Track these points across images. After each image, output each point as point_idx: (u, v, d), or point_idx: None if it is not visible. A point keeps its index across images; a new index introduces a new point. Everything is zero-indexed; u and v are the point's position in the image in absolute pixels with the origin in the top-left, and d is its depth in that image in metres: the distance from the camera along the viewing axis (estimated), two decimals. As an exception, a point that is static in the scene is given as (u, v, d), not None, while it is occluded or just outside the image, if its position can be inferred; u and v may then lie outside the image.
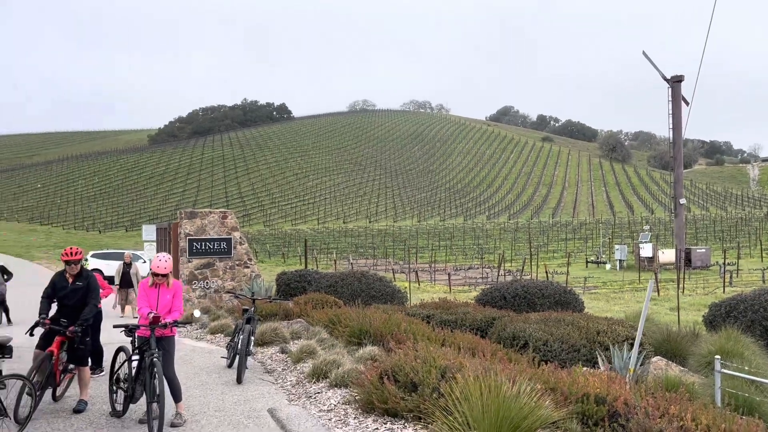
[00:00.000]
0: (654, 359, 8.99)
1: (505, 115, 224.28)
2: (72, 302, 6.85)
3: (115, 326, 6.51)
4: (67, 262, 6.85)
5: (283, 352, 10.09)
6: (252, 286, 16.87)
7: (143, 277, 12.00)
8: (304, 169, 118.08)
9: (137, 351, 6.33)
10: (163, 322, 6.19)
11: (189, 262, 17.09)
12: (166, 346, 6.30)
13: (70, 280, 6.92)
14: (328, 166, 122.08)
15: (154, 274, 6.34)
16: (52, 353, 6.54)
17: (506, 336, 9.97)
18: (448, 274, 31.62)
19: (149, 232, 22.52)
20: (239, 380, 8.21)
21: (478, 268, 40.60)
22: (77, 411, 6.76)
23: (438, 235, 65.15)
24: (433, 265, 40.34)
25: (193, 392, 7.77)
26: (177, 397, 6.43)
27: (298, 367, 8.87)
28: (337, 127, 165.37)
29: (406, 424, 5.87)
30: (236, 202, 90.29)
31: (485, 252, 50.42)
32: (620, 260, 40.66)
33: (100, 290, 8.79)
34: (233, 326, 11.19)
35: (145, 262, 25.10)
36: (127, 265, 17.17)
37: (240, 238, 17.87)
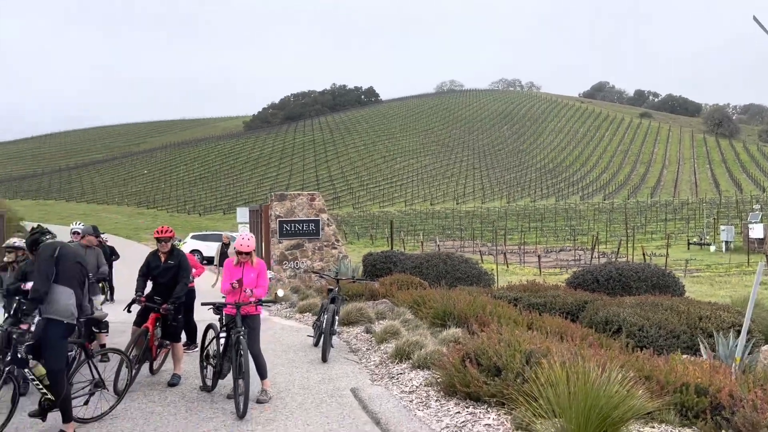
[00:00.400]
0: (764, 348, 8.28)
1: (600, 92, 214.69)
2: (165, 280, 7.16)
3: (203, 304, 6.74)
4: (158, 240, 7.19)
5: (367, 332, 10.14)
6: (339, 267, 17.10)
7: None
8: (391, 152, 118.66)
9: (224, 328, 6.52)
10: (247, 300, 6.32)
11: (279, 243, 17.55)
12: (251, 324, 6.44)
13: (163, 259, 7.23)
14: (415, 148, 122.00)
15: (238, 253, 6.48)
16: (148, 329, 6.88)
17: (598, 320, 9.52)
18: (538, 257, 30.80)
19: (243, 214, 23.29)
20: (324, 359, 8.32)
21: (570, 250, 39.31)
22: (171, 384, 7.08)
23: (528, 217, 63.64)
24: (522, 247, 39.47)
25: (280, 369, 7.95)
26: (262, 374, 6.58)
27: (382, 348, 8.87)
28: (424, 109, 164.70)
29: (488, 409, 5.70)
30: (326, 185, 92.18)
31: (578, 234, 48.72)
32: (726, 242, 38.09)
33: (192, 270, 9.18)
34: (320, 305, 11.38)
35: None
36: (226, 246, 17.97)
37: (327, 219, 18.14)
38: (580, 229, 52.21)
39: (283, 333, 10.73)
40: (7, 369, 5.02)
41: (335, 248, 18.04)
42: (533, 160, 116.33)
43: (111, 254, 13.86)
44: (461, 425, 5.41)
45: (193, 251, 30.79)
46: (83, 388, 5.76)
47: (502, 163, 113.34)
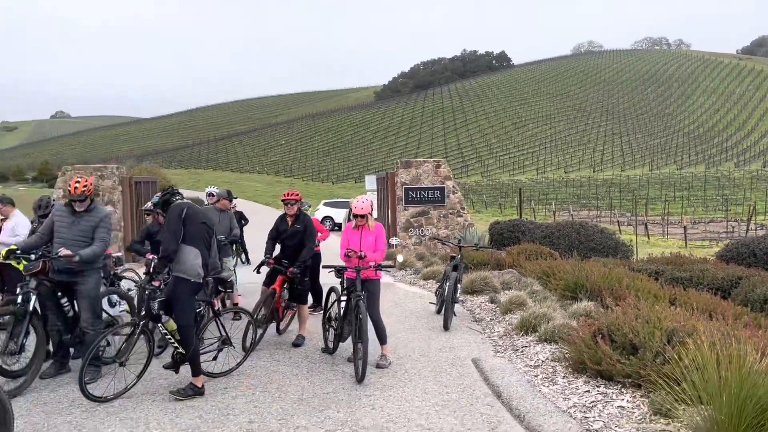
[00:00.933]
0: None
1: (762, 47, 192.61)
2: (291, 243, 7.29)
3: (323, 267, 6.76)
4: (285, 202, 7.32)
5: (492, 301, 9.80)
6: (465, 235, 16.79)
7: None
8: (523, 118, 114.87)
9: (345, 292, 6.50)
10: (366, 264, 6.24)
11: (405, 210, 17.53)
12: (370, 288, 6.36)
13: (290, 223, 7.36)
14: (548, 114, 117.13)
15: (354, 216, 6.40)
16: (275, 291, 7.04)
17: (755, 298, 8.48)
18: (684, 228, 28.39)
19: (371, 181, 23.58)
20: (446, 327, 8.13)
21: (721, 221, 35.90)
22: (295, 345, 7.24)
23: (673, 185, 58.96)
24: (665, 218, 36.64)
25: (401, 336, 7.87)
26: (382, 339, 6.51)
27: (507, 318, 8.51)
28: (559, 72, 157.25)
29: (622, 389, 5.21)
30: (454, 154, 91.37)
31: (731, 203, 44.39)
32: None
33: (318, 234, 9.31)
34: (443, 273, 11.20)
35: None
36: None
37: (453, 187, 17.81)
38: (733, 199, 47.53)
39: (405, 299, 10.68)
40: (141, 323, 5.32)
41: (460, 216, 17.72)
42: (680, 125, 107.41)
43: (240, 219, 14.54)
44: (590, 405, 4.98)
45: (324, 218, 31.84)
46: (212, 345, 6.02)
47: (644, 128, 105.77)
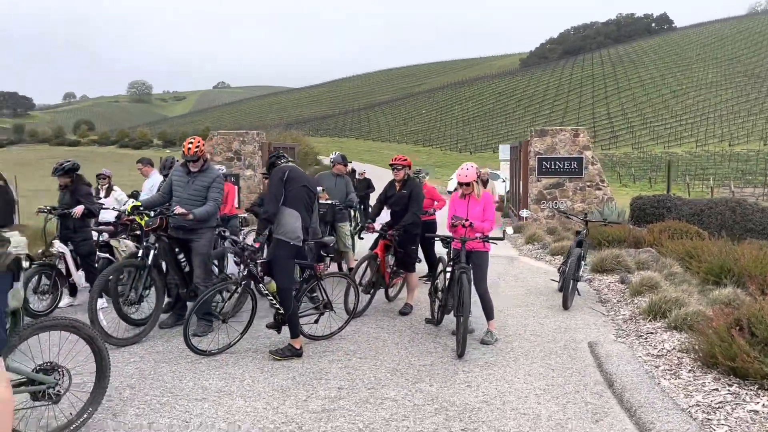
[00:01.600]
0: None
1: None
2: (398, 209, 7.15)
3: (427, 236, 6.52)
4: (392, 166, 7.16)
5: (622, 282, 9.03)
6: (602, 210, 15.74)
7: (500, 196, 12.16)
8: (683, 86, 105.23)
9: (451, 263, 6.24)
10: (472, 234, 5.92)
11: (538, 181, 16.74)
12: (476, 260, 6.05)
13: (397, 188, 7.20)
14: (714, 81, 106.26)
15: (459, 184, 6.07)
16: (377, 255, 6.95)
17: None
18: None
19: (504, 151, 22.84)
20: (565, 306, 7.60)
21: None
22: (402, 313, 7.13)
23: None
24: None
25: (514, 312, 7.48)
26: (488, 314, 6.20)
27: (636, 301, 7.77)
28: (729, 35, 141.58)
29: (759, 392, 4.50)
30: (603, 124, 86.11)
31: None
32: None
33: (434, 202, 9.07)
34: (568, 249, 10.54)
35: (504, 181, 25.68)
36: (484, 183, 17.76)
37: (592, 157, 16.69)
38: None
39: (528, 274, 10.19)
40: (243, 283, 5.46)
41: (599, 189, 16.58)
42: None
43: (368, 186, 14.63)
44: (717, 406, 4.36)
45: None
46: (313, 308, 6.06)
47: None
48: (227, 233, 6.43)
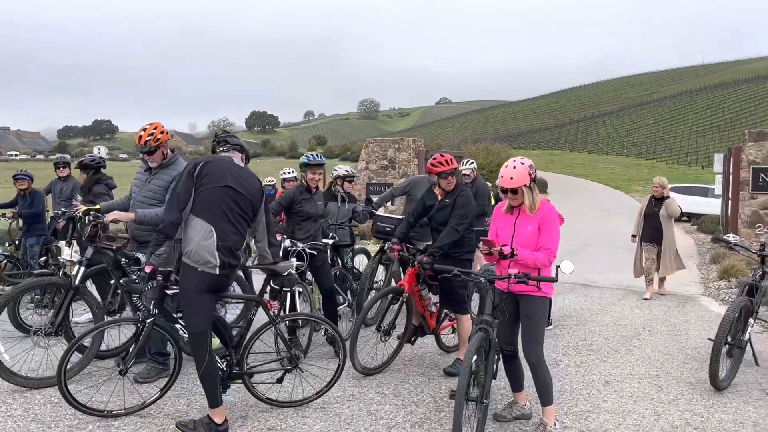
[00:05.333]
0: None
1: None
2: (437, 225, 5.18)
3: (459, 272, 4.43)
4: (439, 175, 5.13)
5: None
6: None
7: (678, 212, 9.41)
8: None
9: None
10: (519, 268, 3.81)
11: (752, 198, 12.98)
12: (526, 310, 3.93)
13: (440, 196, 5.22)
14: None
15: (502, 190, 3.97)
16: (403, 288, 4.99)
17: None
18: None
19: (720, 161, 18.55)
20: (713, 383, 4.95)
21: None
22: (448, 373, 5.09)
23: None
24: None
25: (630, 386, 5.06)
26: (543, 397, 4.00)
27: None
28: None
29: None
30: None
31: None
32: None
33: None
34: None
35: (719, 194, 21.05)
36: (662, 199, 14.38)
37: (835, 168, 12.44)
38: None
39: (697, 323, 7.36)
40: (149, 320, 3.99)
41: None
42: None
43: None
44: None
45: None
46: (271, 362, 4.37)
47: None
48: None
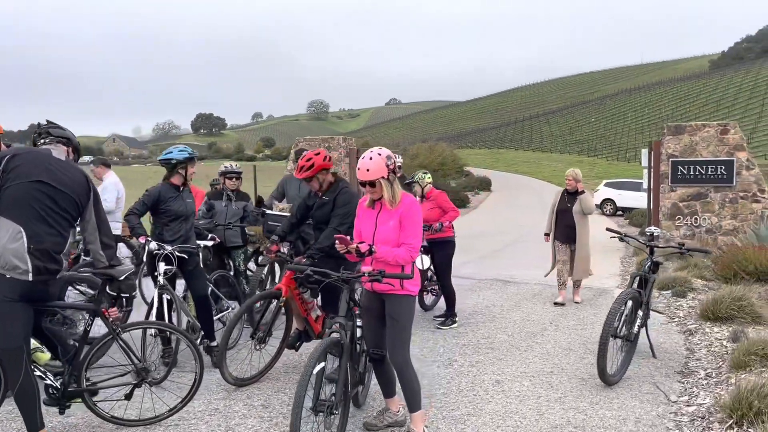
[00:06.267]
0: None
1: None
2: (317, 222, 4.90)
3: (313, 271, 4.08)
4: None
5: (734, 340, 5.90)
6: (760, 228, 11.88)
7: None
8: None
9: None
10: (375, 265, 3.54)
11: (672, 191, 13.17)
12: (391, 310, 3.66)
13: (319, 193, 4.92)
14: None
15: (360, 183, 3.69)
16: (279, 292, 4.65)
17: None
18: None
19: (644, 156, 18.91)
20: (602, 377, 4.80)
21: None
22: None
23: None
24: None
25: (520, 386, 4.86)
26: (410, 402, 3.74)
27: (736, 379, 4.75)
28: None
29: None
30: (811, 129, 73.28)
31: None
32: None
33: (446, 212, 6.67)
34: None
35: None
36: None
37: (747, 161, 12.74)
38: None
39: (594, 320, 7.26)
40: None
41: (758, 201, 12.60)
42: None
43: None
44: None
45: (604, 201, 27.53)
46: (117, 376, 3.98)
47: None
48: None
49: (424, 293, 7.15)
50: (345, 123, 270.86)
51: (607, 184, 28.79)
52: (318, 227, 4.91)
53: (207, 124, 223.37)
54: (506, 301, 8.16)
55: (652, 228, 12.48)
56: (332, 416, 3.34)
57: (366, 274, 3.45)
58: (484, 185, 39.46)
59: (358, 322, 3.82)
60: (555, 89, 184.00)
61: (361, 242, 3.58)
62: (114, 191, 7.72)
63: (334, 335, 3.39)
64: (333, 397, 3.33)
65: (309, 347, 5.42)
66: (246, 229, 6.60)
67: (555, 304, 7.92)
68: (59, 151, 3.52)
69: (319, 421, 3.29)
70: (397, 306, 3.67)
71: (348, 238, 3.56)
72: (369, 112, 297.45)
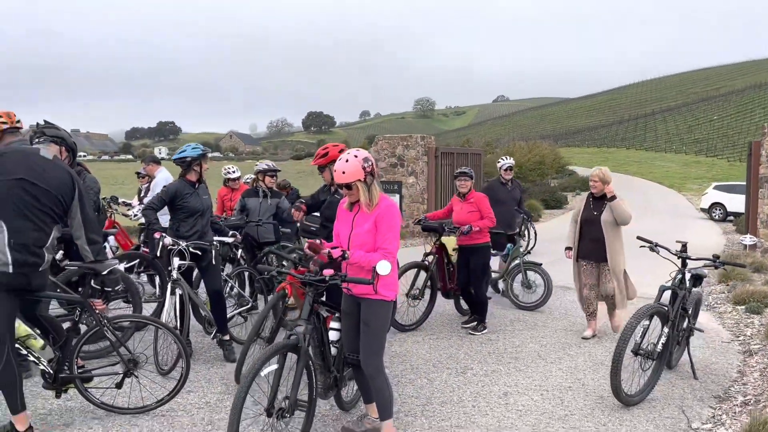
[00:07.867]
0: None
1: None
2: (326, 219, 4.87)
3: (278, 271, 4.03)
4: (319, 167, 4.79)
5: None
6: None
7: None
8: None
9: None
10: (327, 272, 3.46)
11: (772, 196, 11.99)
12: (364, 316, 3.58)
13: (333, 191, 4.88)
14: None
15: (338, 185, 3.60)
16: (285, 292, 4.67)
17: None
18: None
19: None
20: (616, 394, 4.44)
21: None
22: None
23: None
24: None
25: (521, 397, 4.62)
26: (381, 408, 3.65)
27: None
28: None
29: None
30: None
31: None
32: None
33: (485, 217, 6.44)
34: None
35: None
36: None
37: None
38: None
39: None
40: None
41: None
42: None
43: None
44: None
45: (713, 205, 25.54)
46: (107, 366, 4.17)
47: None
48: None
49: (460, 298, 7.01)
50: (450, 120, 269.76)
51: (716, 187, 26.69)
52: (324, 225, 4.91)
53: (317, 122, 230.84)
54: (556, 309, 7.77)
55: (747, 236, 11.55)
56: (285, 419, 3.32)
57: (327, 279, 3.41)
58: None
59: (334, 325, 3.79)
60: (675, 85, 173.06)
61: (334, 247, 3.55)
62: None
63: (293, 337, 3.37)
64: (286, 401, 3.31)
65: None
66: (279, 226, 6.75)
67: (583, 338, 6.39)
68: (48, 151, 3.75)
69: (270, 423, 3.29)
70: (370, 311, 3.59)
71: (318, 242, 3.54)
72: (475, 109, 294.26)
